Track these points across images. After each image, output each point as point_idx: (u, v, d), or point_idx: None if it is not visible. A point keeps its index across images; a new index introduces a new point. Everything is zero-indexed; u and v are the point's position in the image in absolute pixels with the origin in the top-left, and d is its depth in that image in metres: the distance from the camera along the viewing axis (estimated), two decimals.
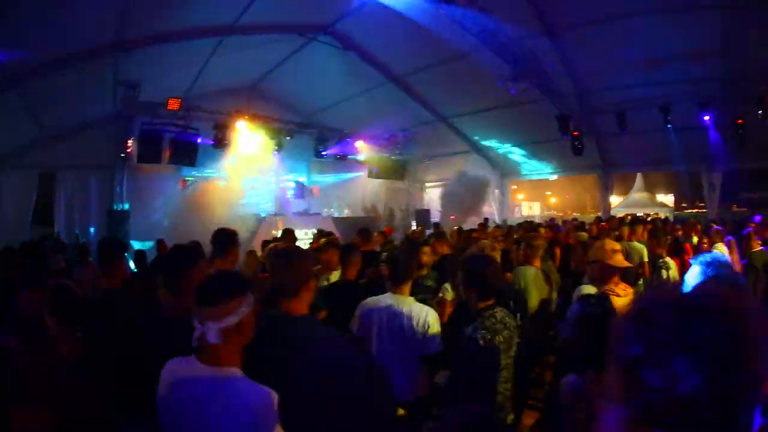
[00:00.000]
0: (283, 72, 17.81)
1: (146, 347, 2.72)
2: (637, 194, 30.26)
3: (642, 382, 0.98)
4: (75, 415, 2.22)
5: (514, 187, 27.21)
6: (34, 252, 9.11)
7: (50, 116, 13.74)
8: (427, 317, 4.02)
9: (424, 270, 6.19)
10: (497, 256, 5.38)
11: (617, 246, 4.48)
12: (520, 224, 14.83)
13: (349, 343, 2.99)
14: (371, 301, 4.23)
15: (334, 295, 5.23)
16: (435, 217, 21.56)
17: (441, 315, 4.44)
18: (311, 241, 11.59)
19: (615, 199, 25.69)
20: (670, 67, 13.61)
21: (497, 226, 14.74)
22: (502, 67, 13.90)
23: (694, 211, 25.26)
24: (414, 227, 18.83)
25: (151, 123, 14.83)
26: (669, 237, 9.35)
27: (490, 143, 21.58)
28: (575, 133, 16.41)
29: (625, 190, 30.60)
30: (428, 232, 13.03)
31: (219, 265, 4.42)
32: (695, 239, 11.11)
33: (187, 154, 15.78)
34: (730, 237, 8.89)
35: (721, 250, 6.76)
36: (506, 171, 23.25)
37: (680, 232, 11.89)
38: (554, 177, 24.59)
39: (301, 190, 22.05)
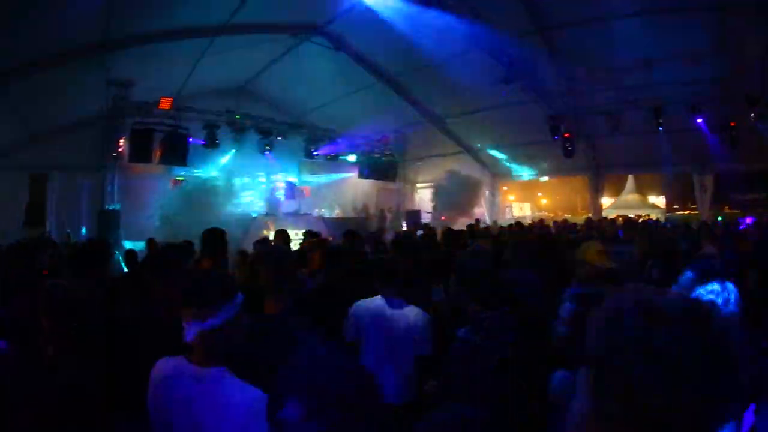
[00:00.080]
0: (275, 72, 17.80)
1: (139, 347, 2.70)
2: (629, 196, 30.31)
3: (604, 382, 0.97)
4: (71, 415, 2.20)
5: (505, 188, 27.20)
6: (27, 253, 9.03)
7: (40, 117, 13.69)
8: (418, 319, 4.01)
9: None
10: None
11: (602, 247, 4.49)
12: (510, 225, 14.85)
13: (331, 344, 2.98)
14: (361, 303, 4.19)
15: (321, 296, 5.20)
16: (425, 218, 21.56)
17: (434, 317, 4.41)
18: (301, 241, 11.56)
19: (606, 201, 25.74)
20: (662, 68, 13.65)
21: (487, 227, 14.75)
22: (494, 69, 13.91)
23: (686, 212, 25.30)
24: (404, 228, 18.83)
25: (142, 122, 14.76)
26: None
27: (482, 144, 21.62)
28: (566, 135, 16.47)
29: (617, 192, 30.67)
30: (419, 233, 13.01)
31: (207, 265, 4.41)
32: None
33: (178, 154, 15.73)
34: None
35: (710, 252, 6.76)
36: (497, 172, 23.35)
37: None
38: (545, 178, 24.65)
39: (292, 191, 21.95)
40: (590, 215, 19.76)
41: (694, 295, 3.36)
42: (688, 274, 3.66)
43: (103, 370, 2.66)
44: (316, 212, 21.40)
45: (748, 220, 14.88)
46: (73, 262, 4.62)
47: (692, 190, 18.71)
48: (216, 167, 18.87)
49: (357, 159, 21.53)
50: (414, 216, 22.34)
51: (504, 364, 3.53)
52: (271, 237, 12.21)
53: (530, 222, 18.82)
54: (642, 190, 30.76)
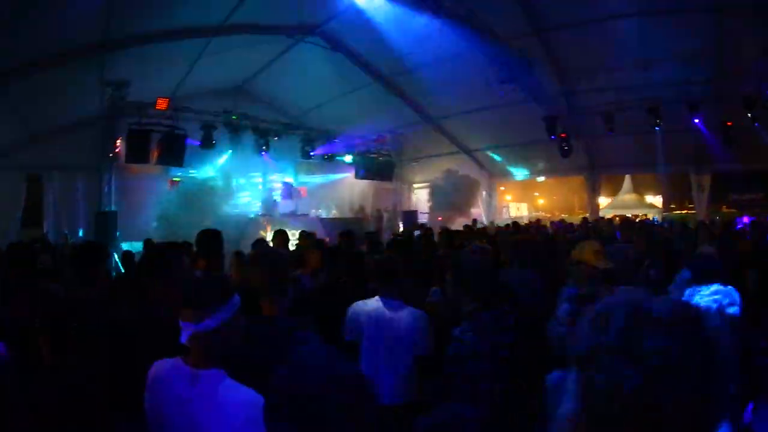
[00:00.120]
0: (271, 72, 17.80)
1: (137, 348, 2.69)
2: (626, 195, 30.34)
3: (592, 383, 0.97)
4: (71, 416, 2.20)
5: (502, 188, 27.21)
6: (24, 254, 9.00)
7: (37, 117, 13.64)
8: (418, 320, 4.00)
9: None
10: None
11: (600, 247, 4.47)
12: (507, 225, 14.85)
13: (328, 346, 2.97)
14: (360, 304, 4.18)
15: (320, 296, 5.20)
16: (422, 218, 21.55)
17: (431, 317, 4.40)
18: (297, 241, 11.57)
19: (603, 200, 25.77)
20: (659, 68, 13.67)
21: (484, 227, 14.75)
22: (491, 69, 13.90)
23: (683, 212, 25.32)
24: (401, 228, 18.82)
25: (139, 123, 14.71)
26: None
27: (478, 144, 21.60)
28: (563, 135, 16.48)
29: (614, 192, 30.70)
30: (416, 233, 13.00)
31: (202, 266, 4.42)
32: None
33: (175, 155, 15.65)
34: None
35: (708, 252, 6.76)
36: (494, 172, 23.32)
37: None
38: (542, 178, 24.66)
39: (289, 191, 21.88)
40: (587, 215, 19.74)
41: (694, 296, 3.36)
42: (685, 274, 3.66)
43: (103, 370, 2.65)
44: (313, 213, 21.35)
45: (745, 219, 14.90)
46: (72, 264, 4.62)
47: (689, 189, 18.72)
48: (213, 168, 18.86)
49: (354, 159, 21.42)
50: (411, 216, 22.21)
51: (504, 364, 3.52)
52: (268, 238, 12.22)
53: (527, 222, 18.81)
54: (639, 189, 30.77)
